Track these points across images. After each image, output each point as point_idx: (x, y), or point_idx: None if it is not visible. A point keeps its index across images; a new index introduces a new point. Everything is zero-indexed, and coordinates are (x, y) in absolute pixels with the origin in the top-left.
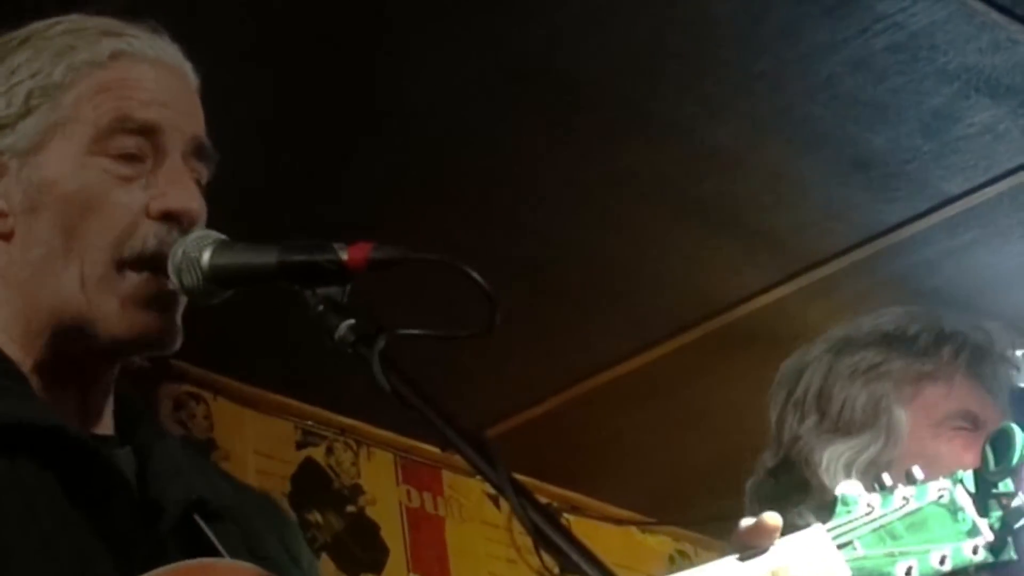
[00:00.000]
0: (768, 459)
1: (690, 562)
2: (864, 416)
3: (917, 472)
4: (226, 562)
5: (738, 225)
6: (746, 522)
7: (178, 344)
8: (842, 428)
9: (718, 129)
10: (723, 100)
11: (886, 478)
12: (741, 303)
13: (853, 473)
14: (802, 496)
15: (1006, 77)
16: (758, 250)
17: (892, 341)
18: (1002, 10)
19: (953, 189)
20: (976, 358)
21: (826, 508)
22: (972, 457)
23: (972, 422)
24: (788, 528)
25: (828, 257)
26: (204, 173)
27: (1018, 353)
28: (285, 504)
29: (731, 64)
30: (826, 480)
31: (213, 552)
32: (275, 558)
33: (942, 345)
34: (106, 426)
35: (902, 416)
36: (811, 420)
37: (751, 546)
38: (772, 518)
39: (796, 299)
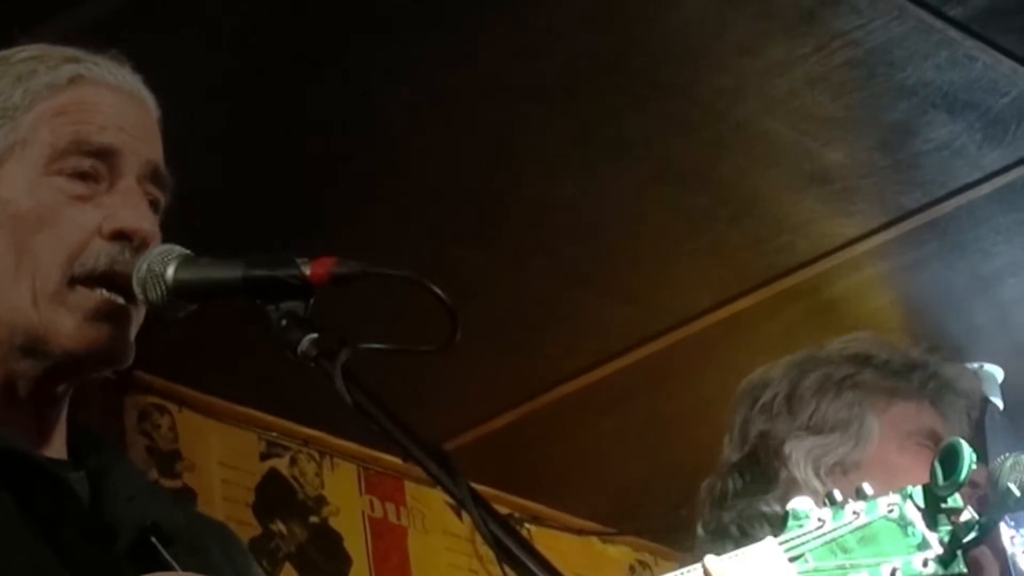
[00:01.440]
0: (731, 456)
1: (650, 572)
2: (836, 418)
3: (867, 488)
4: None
5: (697, 239)
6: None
7: (130, 360)
8: (813, 427)
9: (678, 144)
10: (683, 115)
11: (836, 494)
12: (700, 316)
13: (821, 470)
14: (768, 487)
15: (963, 93)
16: (717, 264)
17: (862, 361)
18: (959, 27)
19: (910, 204)
20: (941, 390)
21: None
22: None
23: (936, 443)
24: (754, 518)
25: (786, 271)
26: (160, 198)
27: (985, 367)
28: (253, 528)
29: (691, 80)
30: (796, 473)
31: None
32: None
33: (912, 371)
34: (58, 451)
35: (874, 424)
36: (781, 418)
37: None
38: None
39: (754, 312)
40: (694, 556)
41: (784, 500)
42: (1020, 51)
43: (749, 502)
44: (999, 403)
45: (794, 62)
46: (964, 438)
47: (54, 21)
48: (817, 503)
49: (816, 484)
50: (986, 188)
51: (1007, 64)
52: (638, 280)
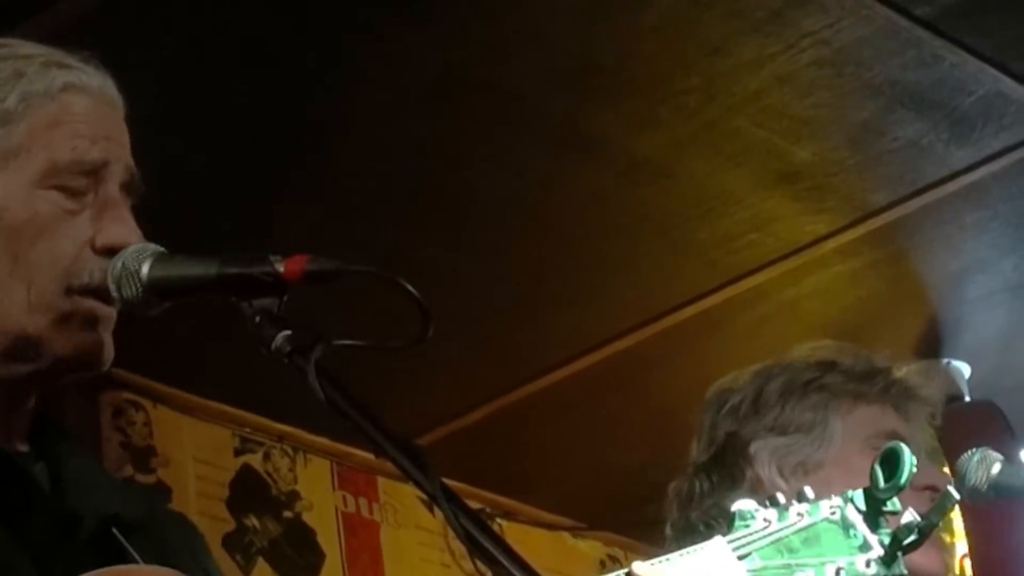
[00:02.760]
0: (699, 456)
1: (621, 566)
2: (801, 420)
3: (808, 492)
4: (148, 568)
5: (667, 236)
6: None
7: (108, 363)
8: (778, 428)
9: (648, 142)
10: (653, 114)
11: (780, 497)
12: (670, 312)
13: (785, 470)
14: (734, 486)
15: (930, 92)
16: (686, 261)
17: (827, 366)
18: (926, 26)
19: (878, 201)
20: (902, 396)
21: (758, 499)
22: None
23: None
24: (724, 515)
25: (755, 268)
26: (132, 200)
27: (952, 363)
28: (227, 522)
29: (661, 79)
30: (761, 472)
31: (131, 562)
32: (189, 572)
33: (875, 376)
34: (21, 442)
35: (837, 425)
36: (748, 419)
37: None
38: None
39: (724, 309)
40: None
41: (750, 499)
42: (986, 50)
43: (716, 500)
44: (966, 398)
45: (763, 61)
46: (925, 444)
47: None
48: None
49: (780, 483)
50: (953, 186)
51: (973, 63)
52: (608, 277)
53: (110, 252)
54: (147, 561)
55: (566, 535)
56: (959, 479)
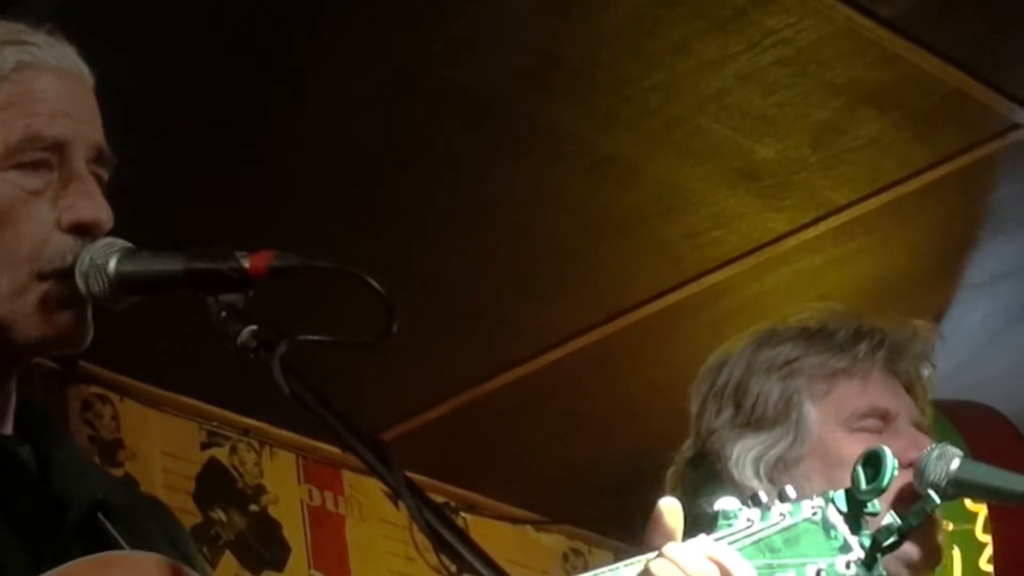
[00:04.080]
0: (687, 450)
1: (583, 560)
2: (775, 412)
3: (790, 491)
4: (137, 554)
5: (631, 233)
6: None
7: (88, 341)
8: (754, 423)
9: (611, 140)
10: (616, 112)
11: (762, 495)
12: (634, 308)
13: (761, 469)
14: (715, 487)
15: (891, 91)
16: (650, 257)
17: (811, 336)
18: (888, 26)
19: (840, 199)
20: (893, 354)
21: (742, 497)
22: None
23: (882, 418)
24: (700, 518)
25: (718, 265)
26: (105, 176)
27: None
28: (194, 515)
29: (623, 77)
30: (735, 474)
31: (116, 548)
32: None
33: (859, 341)
34: (7, 427)
35: (812, 413)
36: (727, 413)
37: (657, 546)
38: (667, 503)
39: (687, 305)
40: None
41: (734, 496)
42: (947, 50)
43: (699, 500)
44: None
45: (725, 60)
46: (923, 399)
47: None
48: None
49: (755, 484)
50: (914, 184)
51: (935, 62)
52: (572, 273)
53: (78, 229)
54: (131, 547)
55: (529, 529)
56: (918, 474)
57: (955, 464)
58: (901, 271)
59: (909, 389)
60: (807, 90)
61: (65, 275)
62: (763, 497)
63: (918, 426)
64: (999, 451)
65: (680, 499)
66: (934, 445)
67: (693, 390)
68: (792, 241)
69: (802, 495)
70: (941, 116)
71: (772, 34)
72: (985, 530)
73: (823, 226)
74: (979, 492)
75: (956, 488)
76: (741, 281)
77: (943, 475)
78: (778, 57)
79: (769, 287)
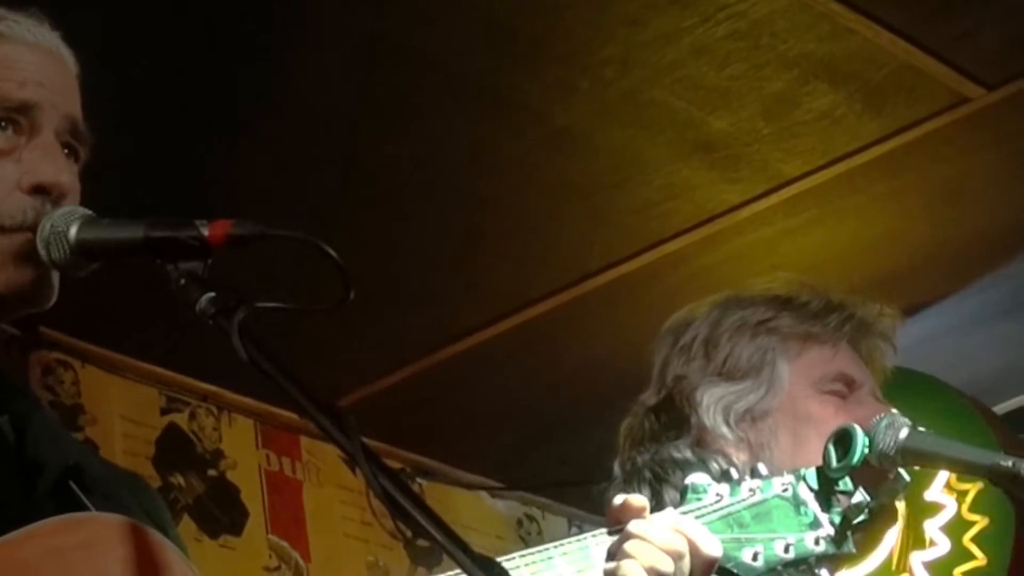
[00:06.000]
0: (649, 398)
1: (537, 526)
2: (749, 365)
3: (762, 468)
4: (105, 515)
5: (586, 203)
6: (617, 500)
7: (52, 300)
8: (726, 373)
9: (567, 111)
10: (572, 83)
11: (733, 472)
12: (589, 277)
13: (731, 418)
14: (680, 432)
15: (843, 65)
16: (604, 227)
17: (783, 302)
18: (840, 0)
19: (792, 171)
20: (859, 331)
21: (702, 446)
22: (841, 419)
23: (848, 385)
24: (665, 463)
25: (672, 235)
26: (80, 151)
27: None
28: (153, 480)
29: (579, 49)
30: (705, 420)
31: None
32: None
33: (830, 312)
34: None
35: (784, 370)
36: (697, 363)
37: (619, 522)
38: (638, 500)
39: (642, 275)
40: (608, 496)
41: (695, 446)
42: (898, 24)
43: (662, 446)
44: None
45: (679, 33)
46: (879, 377)
47: None
48: (727, 448)
49: (725, 431)
50: (865, 156)
51: (886, 36)
52: (527, 242)
53: (40, 190)
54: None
55: (484, 495)
56: (869, 444)
57: (904, 433)
58: (852, 242)
59: (868, 366)
60: (760, 63)
61: (23, 231)
62: (734, 473)
63: (878, 400)
64: None
65: (637, 447)
66: (883, 415)
67: (655, 347)
68: (745, 212)
69: (767, 455)
70: (892, 89)
71: (726, 8)
72: (972, 509)
73: (775, 197)
74: (928, 461)
75: (905, 457)
76: (695, 251)
77: (892, 444)
78: (732, 30)
79: (722, 257)
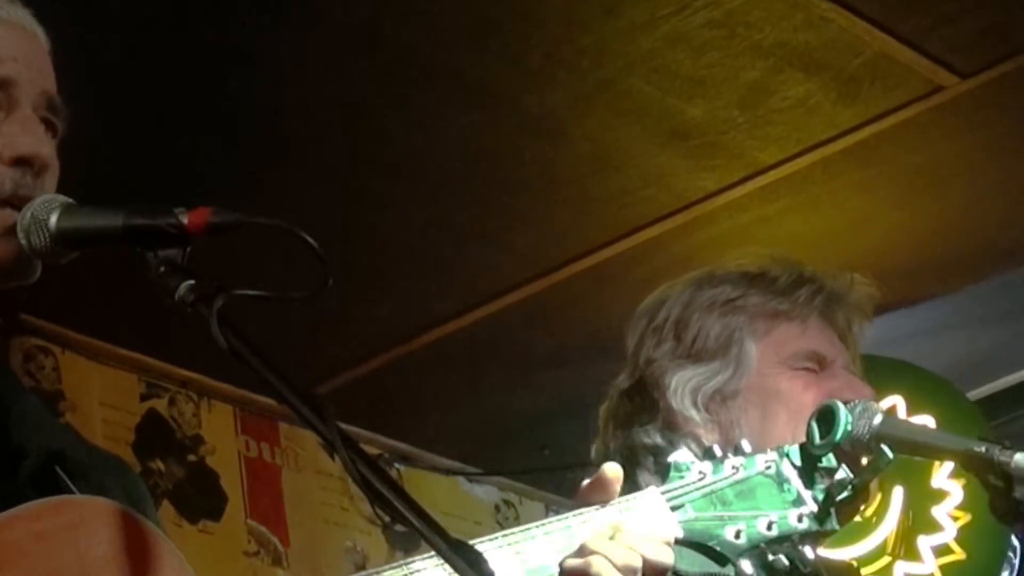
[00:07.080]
0: (623, 381)
1: (515, 511)
2: (716, 345)
3: (745, 445)
4: (87, 497)
5: (563, 191)
6: (588, 480)
7: (35, 276)
8: (694, 355)
9: (544, 100)
10: (549, 72)
11: (716, 449)
12: (566, 264)
13: (699, 399)
14: (651, 417)
15: (818, 53)
16: (582, 214)
17: (753, 279)
18: None
19: (767, 159)
20: (830, 303)
21: (672, 429)
22: (811, 397)
23: (818, 363)
24: (636, 448)
25: (648, 222)
26: (58, 126)
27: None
28: (133, 466)
29: (556, 39)
30: (673, 403)
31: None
32: None
33: (800, 287)
34: None
35: (752, 349)
36: (667, 345)
37: (593, 501)
38: (612, 470)
39: (618, 262)
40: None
41: (664, 431)
42: (873, 13)
43: (633, 431)
44: None
45: (656, 22)
46: (854, 350)
47: None
48: (697, 431)
49: (692, 413)
50: (840, 144)
51: (861, 25)
52: (506, 229)
53: (19, 162)
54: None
55: (461, 480)
56: (841, 430)
57: (878, 419)
58: (827, 229)
59: (842, 339)
60: (735, 52)
61: (4, 207)
62: (717, 451)
63: (851, 373)
64: None
65: (613, 432)
66: (857, 401)
67: (630, 327)
68: (720, 200)
69: (736, 433)
70: (867, 78)
71: None
72: (954, 475)
73: (751, 185)
74: (902, 448)
75: (878, 441)
76: (671, 238)
77: (866, 430)
78: (707, 20)
79: (698, 244)
